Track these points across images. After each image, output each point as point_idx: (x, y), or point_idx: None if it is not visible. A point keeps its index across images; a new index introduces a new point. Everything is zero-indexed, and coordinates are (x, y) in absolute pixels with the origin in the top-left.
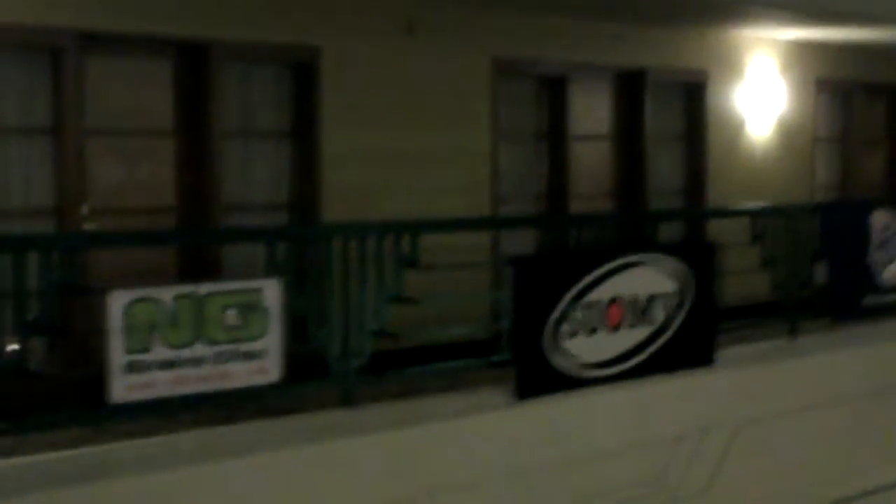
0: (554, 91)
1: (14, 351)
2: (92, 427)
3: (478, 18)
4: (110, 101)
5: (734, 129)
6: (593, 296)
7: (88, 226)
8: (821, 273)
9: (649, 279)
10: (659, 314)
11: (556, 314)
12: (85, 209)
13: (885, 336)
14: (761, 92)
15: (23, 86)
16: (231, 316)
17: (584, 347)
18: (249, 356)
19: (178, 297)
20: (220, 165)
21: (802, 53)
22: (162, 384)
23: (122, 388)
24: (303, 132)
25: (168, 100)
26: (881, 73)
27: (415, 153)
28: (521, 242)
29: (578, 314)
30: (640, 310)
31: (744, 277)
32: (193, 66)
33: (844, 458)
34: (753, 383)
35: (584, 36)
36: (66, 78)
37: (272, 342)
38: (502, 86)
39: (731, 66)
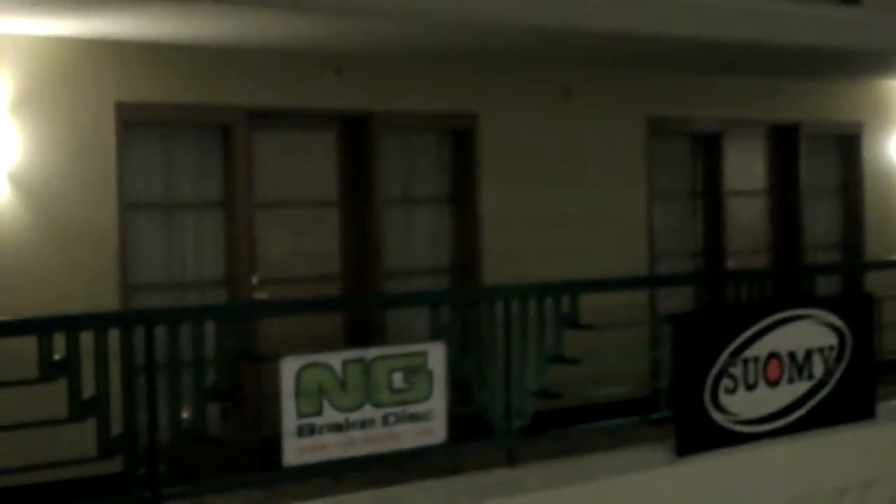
0: (708, 147)
1: (193, 416)
2: (265, 489)
3: (632, 79)
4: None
5: (891, 180)
6: (752, 351)
7: (258, 295)
8: None
9: (807, 333)
10: (818, 368)
11: (714, 370)
12: (255, 279)
13: None
14: None
15: (197, 161)
16: (397, 379)
17: (743, 403)
18: (415, 418)
19: (346, 362)
20: (383, 232)
21: None
22: (332, 446)
23: (295, 451)
24: (462, 197)
25: (332, 170)
26: None
27: (572, 214)
28: (678, 301)
29: (737, 370)
30: (799, 364)
31: None
32: (355, 136)
33: None
34: None
35: (738, 92)
36: (235, 152)
37: (437, 403)
38: (657, 144)
39: (886, 117)
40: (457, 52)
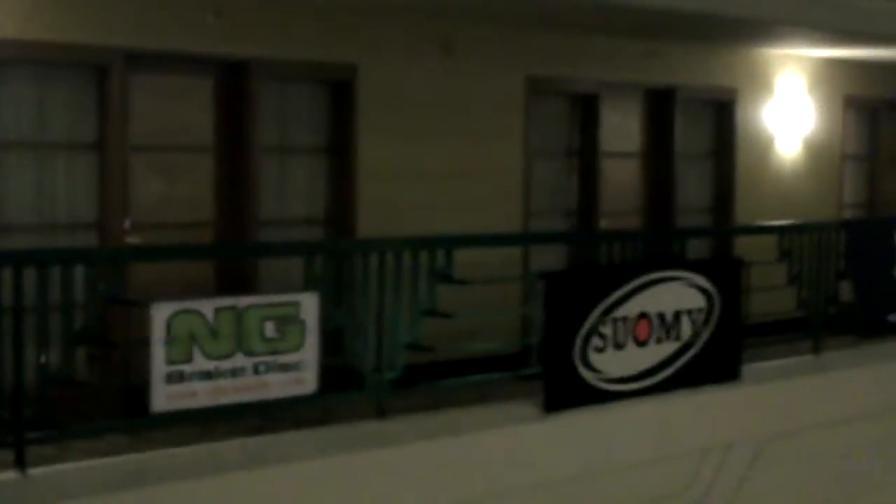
0: (585, 108)
1: (60, 361)
2: (133, 435)
3: (513, 37)
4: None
5: (763, 147)
6: (622, 311)
7: (130, 240)
8: (847, 290)
9: (677, 295)
10: (686, 329)
11: (585, 329)
12: (127, 223)
13: None
14: (790, 109)
15: (71, 102)
16: (269, 328)
17: (612, 362)
18: (286, 368)
19: (218, 310)
20: (258, 180)
21: (830, 71)
22: (201, 394)
23: (163, 398)
24: (339, 148)
25: (209, 116)
26: None
27: (450, 169)
28: (552, 258)
29: (607, 329)
30: (668, 325)
31: (770, 294)
32: (234, 82)
33: (868, 474)
34: (778, 398)
35: (616, 54)
36: (110, 94)
37: (309, 354)
38: (535, 103)
39: (760, 84)
40: (339, 1)
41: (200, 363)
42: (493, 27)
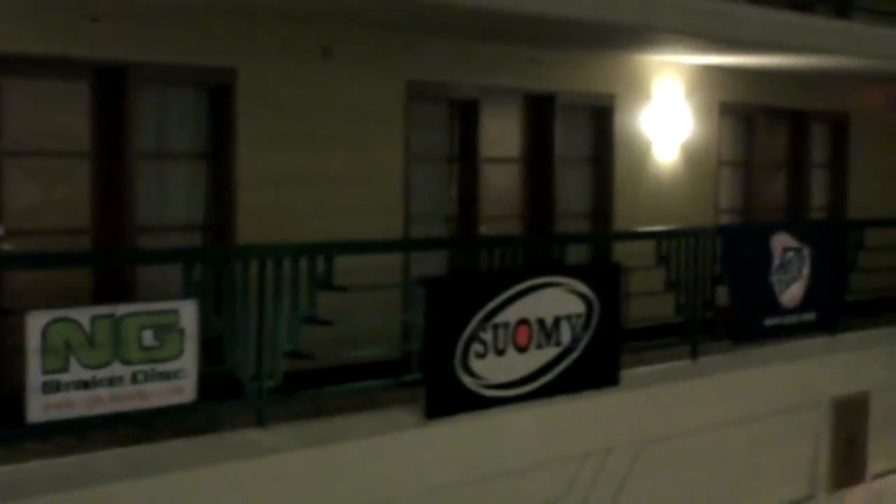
0: (466, 114)
1: None
2: (8, 447)
3: (393, 43)
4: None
5: (641, 153)
6: (502, 317)
7: (5, 246)
8: (723, 295)
9: (557, 301)
10: (566, 335)
11: (466, 335)
12: (1, 230)
13: (785, 357)
14: (667, 116)
15: None
16: (147, 336)
17: (493, 367)
18: (165, 376)
19: (95, 318)
20: (136, 187)
21: (707, 78)
22: (78, 404)
23: (39, 408)
24: (219, 153)
25: (85, 121)
26: (783, 97)
27: (330, 175)
28: (433, 264)
29: (488, 335)
30: (548, 331)
31: (649, 299)
32: (111, 87)
33: (744, 477)
34: (656, 403)
35: (496, 60)
36: None
37: (188, 362)
38: (416, 108)
39: (638, 91)
40: (218, 4)
41: (77, 372)
42: (373, 32)
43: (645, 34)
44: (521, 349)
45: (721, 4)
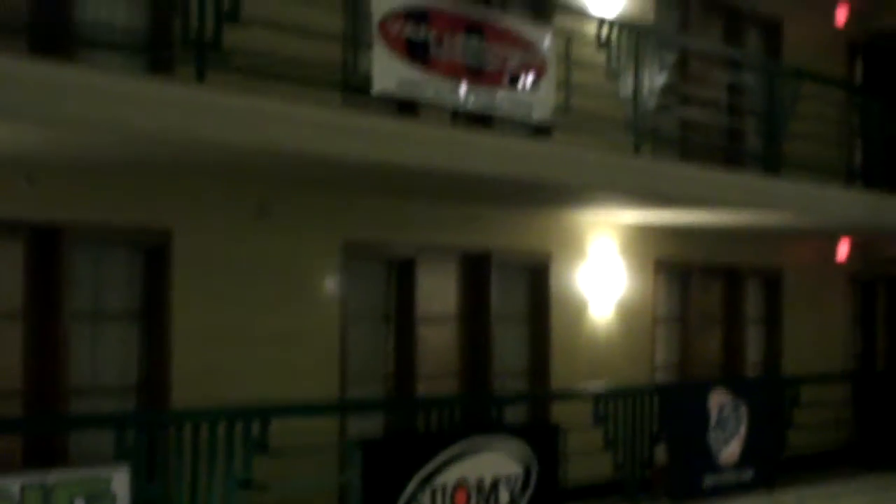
0: (402, 272)
1: None
2: None
3: (329, 201)
4: None
5: (577, 311)
6: (441, 479)
7: None
8: (661, 453)
9: (494, 462)
10: (504, 497)
11: (403, 499)
12: None
13: None
14: (602, 273)
15: None
16: None
17: None
18: None
19: (25, 487)
20: (69, 348)
21: (641, 235)
22: None
23: None
24: (154, 314)
25: (18, 281)
26: (718, 254)
27: (266, 335)
28: (370, 424)
29: (426, 498)
30: (486, 493)
31: (587, 458)
32: (45, 247)
33: None
34: None
35: (433, 218)
36: None
37: None
38: (352, 267)
39: (573, 248)
40: (153, 165)
41: None
42: (309, 191)
43: (578, 193)
44: None
45: (651, 163)
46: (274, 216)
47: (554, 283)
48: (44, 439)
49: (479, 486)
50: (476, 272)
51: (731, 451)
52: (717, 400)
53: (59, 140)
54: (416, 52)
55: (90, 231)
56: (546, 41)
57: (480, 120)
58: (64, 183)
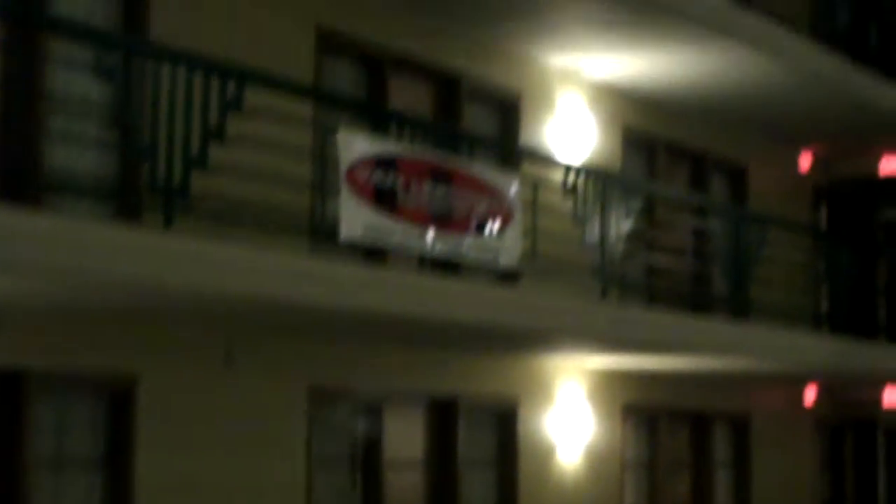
0: (370, 417)
1: None
2: None
3: (295, 347)
4: None
5: (545, 456)
6: None
7: None
8: None
9: None
10: None
11: None
12: None
13: None
14: (570, 419)
15: None
16: None
17: None
18: None
19: None
20: (29, 499)
21: (609, 380)
22: None
23: None
24: (117, 461)
25: None
26: (685, 398)
27: (230, 484)
28: None
29: None
30: None
31: None
32: (5, 395)
33: None
34: None
35: (400, 364)
36: None
37: None
38: (319, 413)
39: (541, 393)
40: (119, 311)
41: None
42: (276, 337)
43: (545, 339)
44: None
45: (618, 310)
46: (240, 363)
47: (521, 428)
48: None
49: None
50: (443, 417)
51: None
52: None
53: (24, 287)
54: (383, 199)
55: (54, 378)
56: (513, 188)
57: (447, 266)
58: (29, 328)
